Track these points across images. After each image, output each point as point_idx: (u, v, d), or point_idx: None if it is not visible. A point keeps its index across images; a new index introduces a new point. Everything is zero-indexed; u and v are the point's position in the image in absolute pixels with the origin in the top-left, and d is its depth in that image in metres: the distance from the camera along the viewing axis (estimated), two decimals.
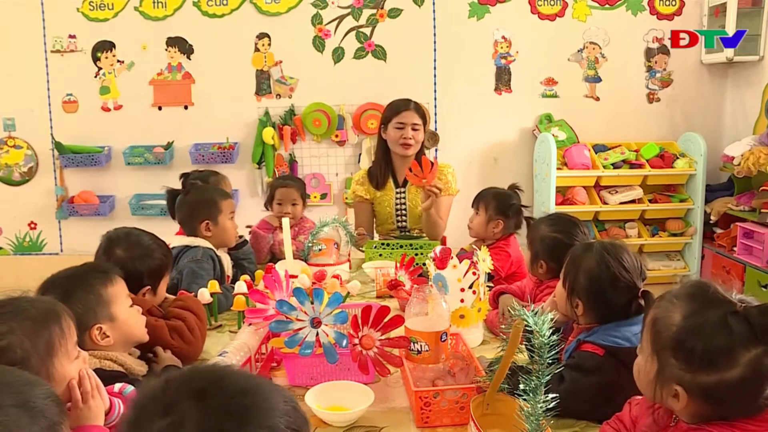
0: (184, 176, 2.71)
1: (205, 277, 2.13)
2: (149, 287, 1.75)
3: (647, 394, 1.09)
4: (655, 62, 4.45)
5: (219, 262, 2.26)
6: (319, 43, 4.39)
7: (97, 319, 1.39)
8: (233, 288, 2.02)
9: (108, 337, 1.41)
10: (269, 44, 4.39)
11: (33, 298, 1.19)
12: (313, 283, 1.94)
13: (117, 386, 1.30)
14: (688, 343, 0.99)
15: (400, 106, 2.83)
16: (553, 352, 1.14)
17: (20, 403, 0.81)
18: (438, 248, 1.78)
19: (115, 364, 1.40)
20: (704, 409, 1.01)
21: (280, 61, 4.41)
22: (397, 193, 2.89)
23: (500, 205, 2.46)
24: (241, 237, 2.47)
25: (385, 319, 1.46)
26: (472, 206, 2.54)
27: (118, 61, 4.41)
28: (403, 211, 2.89)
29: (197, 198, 2.34)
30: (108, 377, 1.31)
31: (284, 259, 2.35)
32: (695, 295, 1.03)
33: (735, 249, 3.91)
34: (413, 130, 2.78)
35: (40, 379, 0.88)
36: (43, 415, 0.82)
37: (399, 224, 2.91)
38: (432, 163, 2.60)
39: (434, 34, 4.39)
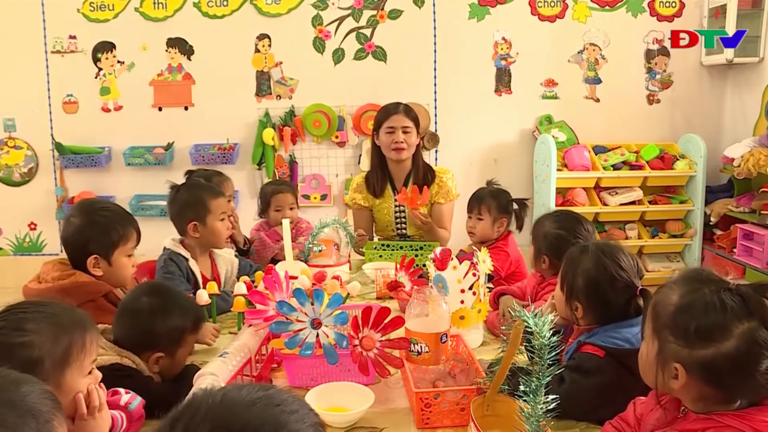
0: (189, 173, 2.70)
1: (173, 279, 2.11)
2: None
3: (649, 379, 1.11)
4: (655, 64, 4.45)
5: (186, 263, 2.18)
6: (319, 44, 4.39)
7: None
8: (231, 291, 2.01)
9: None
10: (269, 45, 4.40)
11: (67, 307, 1.21)
12: (313, 284, 1.93)
13: (123, 399, 1.29)
14: (684, 318, 1.03)
15: (389, 110, 2.78)
16: (554, 353, 1.15)
17: (6, 402, 0.81)
18: (438, 249, 1.78)
19: (130, 362, 1.44)
20: (704, 389, 1.02)
21: (281, 62, 4.41)
22: (395, 200, 2.85)
23: (501, 202, 2.48)
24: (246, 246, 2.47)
25: (386, 321, 1.46)
26: (469, 211, 2.53)
27: (119, 61, 4.41)
28: (403, 219, 2.85)
29: (185, 196, 2.26)
30: (123, 375, 1.38)
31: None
32: (691, 278, 1.08)
33: (735, 250, 3.91)
34: (404, 133, 2.73)
35: (28, 377, 0.88)
36: (31, 413, 0.81)
37: (398, 231, 2.87)
38: (422, 192, 2.60)
39: (434, 36, 4.39)
